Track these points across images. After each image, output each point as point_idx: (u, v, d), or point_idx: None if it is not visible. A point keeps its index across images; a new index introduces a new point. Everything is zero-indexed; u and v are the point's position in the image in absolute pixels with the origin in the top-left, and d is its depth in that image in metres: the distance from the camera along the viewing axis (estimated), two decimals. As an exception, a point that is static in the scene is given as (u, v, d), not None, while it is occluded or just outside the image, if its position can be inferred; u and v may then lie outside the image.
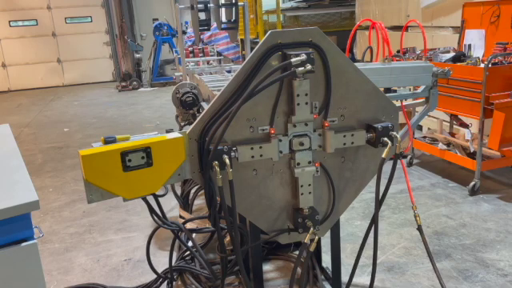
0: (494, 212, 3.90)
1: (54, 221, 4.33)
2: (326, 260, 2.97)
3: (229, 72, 4.78)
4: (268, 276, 3.13)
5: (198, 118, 2.07)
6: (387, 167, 2.18)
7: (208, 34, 10.73)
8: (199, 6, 4.75)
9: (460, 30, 5.34)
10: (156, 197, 2.08)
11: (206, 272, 2.95)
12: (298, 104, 2.11)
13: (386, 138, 2.17)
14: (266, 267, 3.21)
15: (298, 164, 2.21)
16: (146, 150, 1.92)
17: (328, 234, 2.58)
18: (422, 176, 4.82)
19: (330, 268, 2.82)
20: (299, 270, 2.66)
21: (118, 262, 3.49)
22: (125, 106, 10.26)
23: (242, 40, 10.60)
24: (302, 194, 2.25)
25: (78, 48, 14.60)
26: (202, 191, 2.64)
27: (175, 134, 2.04)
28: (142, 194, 1.99)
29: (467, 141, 4.65)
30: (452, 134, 5.07)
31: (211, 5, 4.89)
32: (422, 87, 2.73)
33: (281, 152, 2.18)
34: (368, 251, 2.54)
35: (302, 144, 2.18)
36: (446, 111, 4.57)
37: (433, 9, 6.11)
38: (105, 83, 14.52)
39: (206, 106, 2.69)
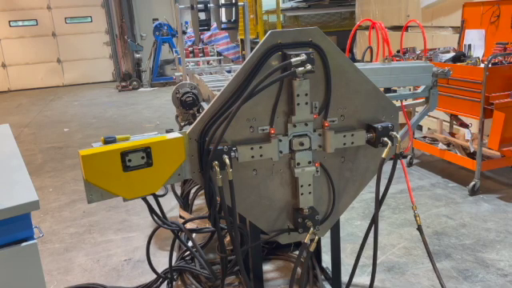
0: (494, 212, 3.90)
1: (54, 221, 4.33)
2: (326, 260, 2.97)
3: (229, 72, 4.78)
4: (268, 276, 3.13)
5: (198, 118, 2.07)
6: (387, 167, 2.18)
7: (208, 34, 10.73)
8: (199, 6, 4.75)
9: (460, 30, 5.34)
10: (156, 197, 2.08)
11: (206, 272, 2.95)
12: (298, 104, 2.11)
13: (386, 138, 2.17)
14: (266, 267, 3.21)
15: (298, 164, 2.21)
16: (146, 150, 1.92)
17: (328, 233, 2.58)
18: (422, 176, 4.82)
19: (330, 268, 2.82)
20: (299, 270, 2.66)
21: (117, 262, 3.49)
22: (125, 106, 10.26)
23: (242, 40, 10.60)
24: (301, 194, 2.25)
25: (78, 48, 14.61)
26: (202, 191, 2.64)
27: (175, 134, 2.04)
28: (142, 194, 1.99)
29: (467, 141, 4.65)
30: (452, 134, 5.07)
31: (211, 5, 4.89)
32: (422, 87, 2.73)
33: (281, 152, 2.18)
34: (368, 251, 2.54)
35: (302, 144, 2.18)
36: (446, 111, 4.57)
37: (433, 9, 6.11)
38: (105, 83, 14.52)
39: (206, 106, 2.69)
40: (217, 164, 1.99)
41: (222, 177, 2.00)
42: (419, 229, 2.65)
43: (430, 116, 5.24)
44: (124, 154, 1.88)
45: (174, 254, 3.24)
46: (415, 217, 2.66)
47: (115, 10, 13.38)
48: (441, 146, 4.72)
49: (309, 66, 1.97)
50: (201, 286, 2.98)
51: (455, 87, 4.19)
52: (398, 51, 4.06)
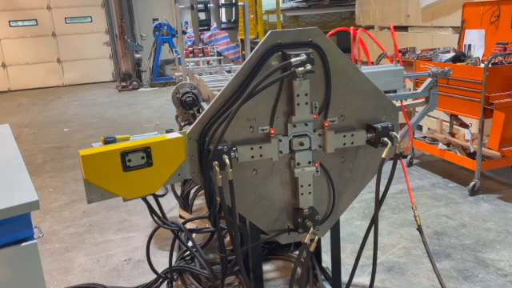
0: (494, 212, 3.90)
1: (54, 221, 4.33)
2: (326, 260, 2.97)
3: (229, 72, 4.78)
4: (268, 276, 3.13)
5: (198, 118, 2.07)
6: (387, 167, 2.18)
7: (208, 33, 10.72)
8: (199, 6, 4.75)
9: (460, 30, 5.34)
10: (156, 197, 2.09)
11: (206, 272, 2.95)
12: (298, 104, 2.11)
13: (385, 138, 2.17)
14: (266, 267, 3.21)
15: (298, 164, 2.21)
16: (146, 150, 1.92)
17: (328, 233, 2.58)
18: (422, 176, 4.82)
19: (330, 268, 2.82)
20: (299, 270, 2.66)
21: (117, 262, 3.49)
22: (125, 106, 10.26)
23: (241, 40, 10.59)
24: (301, 194, 2.25)
25: (78, 48, 14.59)
26: (202, 191, 2.64)
27: (175, 134, 2.04)
28: (141, 194, 1.99)
29: (467, 141, 4.65)
30: (452, 134, 5.07)
31: (211, 5, 4.89)
32: (422, 87, 2.72)
33: (281, 152, 2.18)
34: (368, 251, 2.54)
35: (301, 144, 2.18)
36: (446, 111, 4.57)
37: (433, 9, 6.11)
38: (105, 83, 14.51)
39: (205, 106, 2.69)
40: (217, 164, 1.99)
41: (222, 177, 2.00)
42: (419, 229, 2.65)
43: (429, 116, 5.25)
44: (124, 154, 1.88)
45: (174, 254, 3.24)
46: (415, 217, 2.66)
47: (115, 9, 13.38)
48: (441, 146, 4.72)
49: (309, 66, 1.97)
50: (201, 285, 2.98)
51: (455, 87, 4.19)
52: (400, 51, 4.05)
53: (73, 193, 5.03)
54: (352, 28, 2.71)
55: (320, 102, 2.17)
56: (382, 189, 2.22)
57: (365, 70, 2.55)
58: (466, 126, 4.66)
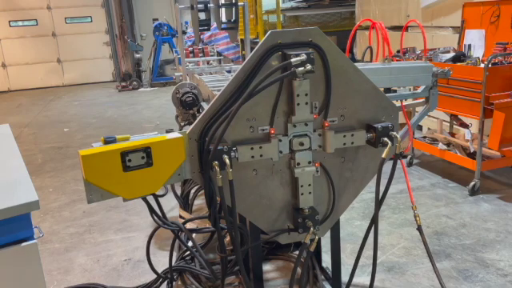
0: (494, 212, 3.90)
1: (54, 221, 4.33)
2: (326, 260, 2.97)
3: (229, 72, 4.78)
4: (268, 276, 3.13)
5: (198, 118, 2.07)
6: (387, 167, 2.18)
7: (208, 34, 10.73)
8: (199, 6, 4.75)
9: (460, 30, 5.34)
10: (156, 197, 2.09)
11: (206, 272, 2.95)
12: (298, 104, 2.11)
13: (385, 138, 2.17)
14: (266, 267, 3.21)
15: (298, 164, 2.21)
16: (146, 150, 1.92)
17: (328, 234, 2.58)
18: (422, 176, 4.82)
19: (330, 268, 2.82)
20: (299, 270, 2.66)
21: (118, 262, 3.49)
22: (125, 106, 10.26)
23: (241, 40, 10.60)
24: (302, 194, 2.25)
25: (78, 48, 14.59)
26: (202, 191, 2.64)
27: (175, 134, 2.04)
28: (141, 194, 1.99)
29: (467, 141, 4.65)
30: (452, 134, 5.07)
31: (211, 5, 4.89)
32: (422, 87, 2.73)
33: (281, 152, 2.18)
34: (368, 251, 2.54)
35: (301, 144, 2.18)
36: (446, 111, 4.57)
37: (433, 9, 6.11)
38: (105, 83, 14.51)
39: (205, 106, 2.69)
40: (217, 164, 1.99)
41: (222, 177, 2.00)
42: (419, 229, 2.66)
43: (429, 116, 5.24)
44: (124, 154, 1.88)
45: (174, 254, 3.24)
46: (415, 217, 2.66)
47: (115, 9, 13.39)
48: (441, 146, 4.72)
49: (309, 66, 1.97)
50: (201, 285, 2.98)
51: (455, 87, 4.19)
52: (398, 51, 4.06)
53: (73, 193, 5.03)
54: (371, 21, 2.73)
55: (320, 102, 2.17)
56: (382, 189, 2.22)
57: (394, 64, 2.57)
58: (466, 126, 4.66)
